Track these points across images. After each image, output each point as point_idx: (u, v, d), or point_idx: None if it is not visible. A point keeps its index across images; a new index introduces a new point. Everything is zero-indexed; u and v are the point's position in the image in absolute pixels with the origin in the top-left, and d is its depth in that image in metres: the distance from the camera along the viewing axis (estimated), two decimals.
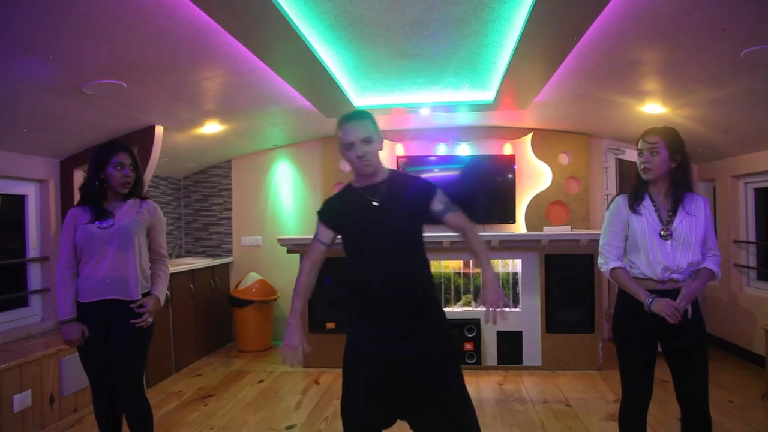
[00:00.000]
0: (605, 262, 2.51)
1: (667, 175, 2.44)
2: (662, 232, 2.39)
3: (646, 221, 2.43)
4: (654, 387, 2.50)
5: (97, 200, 2.69)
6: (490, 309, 2.08)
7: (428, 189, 2.24)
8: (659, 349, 2.48)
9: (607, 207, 2.61)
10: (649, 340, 2.44)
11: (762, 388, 3.87)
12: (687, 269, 2.39)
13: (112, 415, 2.76)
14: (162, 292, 2.82)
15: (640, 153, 2.48)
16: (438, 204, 2.22)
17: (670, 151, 2.40)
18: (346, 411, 2.22)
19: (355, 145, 2.16)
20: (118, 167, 2.67)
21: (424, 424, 2.20)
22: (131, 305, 2.66)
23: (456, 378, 2.23)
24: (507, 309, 2.02)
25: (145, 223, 2.77)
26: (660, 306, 2.29)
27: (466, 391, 2.23)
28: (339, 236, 2.33)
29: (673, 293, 2.35)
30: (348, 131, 2.17)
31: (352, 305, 2.32)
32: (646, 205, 2.46)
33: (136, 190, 2.78)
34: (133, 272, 2.70)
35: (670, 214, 2.42)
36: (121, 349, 2.65)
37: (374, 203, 2.22)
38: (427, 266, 2.31)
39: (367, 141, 2.16)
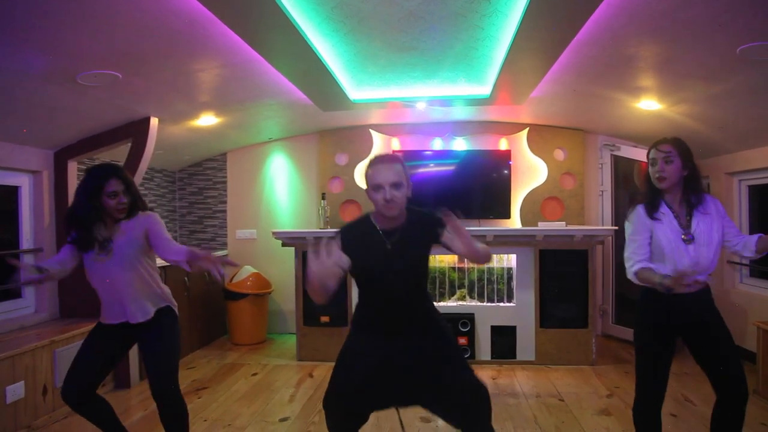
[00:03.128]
0: (630, 266, 2.51)
1: (680, 182, 2.49)
2: (684, 237, 2.44)
3: (668, 228, 2.47)
4: None
5: (88, 226, 2.62)
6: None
7: (437, 221, 2.25)
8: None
9: (627, 217, 2.61)
10: (672, 338, 2.51)
11: (753, 384, 3.89)
12: (710, 268, 2.45)
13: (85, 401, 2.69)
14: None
15: (654, 162, 2.51)
16: (447, 234, 2.25)
17: (683, 160, 2.47)
18: (333, 393, 2.34)
19: (384, 188, 2.17)
20: (113, 196, 2.61)
21: (440, 405, 2.27)
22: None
23: (460, 360, 2.32)
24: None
25: (141, 240, 2.68)
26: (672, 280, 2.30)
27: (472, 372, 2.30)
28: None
29: (696, 294, 2.43)
30: (378, 173, 2.19)
31: (355, 321, 2.43)
32: (665, 212, 2.50)
33: (134, 212, 2.70)
34: (148, 292, 2.70)
35: (688, 218, 2.48)
36: (156, 356, 2.66)
37: (388, 246, 2.27)
38: (428, 297, 2.45)
39: (397, 186, 2.18)
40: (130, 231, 2.67)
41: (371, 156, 2.31)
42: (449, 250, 2.25)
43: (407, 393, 2.30)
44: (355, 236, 2.31)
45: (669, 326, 2.48)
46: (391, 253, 2.28)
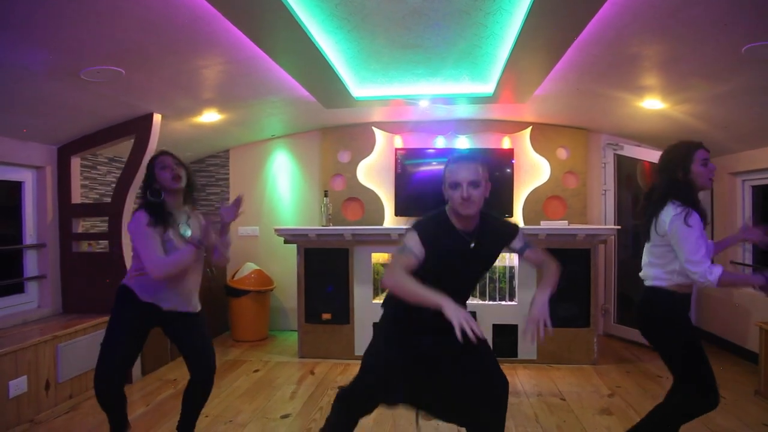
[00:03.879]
0: (709, 272, 2.40)
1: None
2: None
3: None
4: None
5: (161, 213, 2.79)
6: (530, 325, 2.13)
7: (512, 230, 2.40)
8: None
9: (683, 220, 2.46)
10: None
11: (755, 385, 3.89)
12: None
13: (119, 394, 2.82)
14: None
15: (705, 162, 2.57)
16: (518, 242, 2.38)
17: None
18: (371, 380, 2.42)
19: (462, 186, 2.18)
20: (163, 167, 2.80)
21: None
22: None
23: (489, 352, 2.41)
24: (547, 327, 2.10)
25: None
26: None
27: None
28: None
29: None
30: (457, 171, 2.20)
31: (400, 320, 2.41)
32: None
33: (190, 190, 2.94)
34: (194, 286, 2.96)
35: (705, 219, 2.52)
36: (206, 340, 2.98)
37: (472, 245, 2.28)
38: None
39: (475, 184, 2.19)
40: (198, 222, 2.91)
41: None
42: (518, 255, 2.44)
43: (435, 388, 2.37)
44: (435, 232, 2.28)
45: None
46: (473, 252, 2.29)
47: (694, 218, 2.45)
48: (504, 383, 2.34)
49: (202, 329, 2.96)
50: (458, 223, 2.28)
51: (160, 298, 2.77)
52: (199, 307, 2.96)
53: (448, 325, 2.00)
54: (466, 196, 2.16)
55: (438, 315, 2.08)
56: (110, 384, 2.72)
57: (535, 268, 2.46)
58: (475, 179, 2.18)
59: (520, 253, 2.39)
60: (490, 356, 2.39)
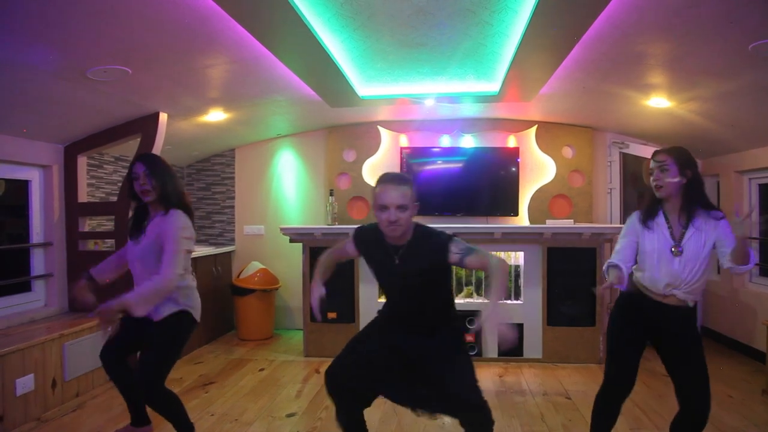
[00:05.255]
0: (606, 262, 2.62)
1: (680, 191, 2.48)
2: (673, 249, 2.45)
3: (656, 238, 2.50)
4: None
5: (136, 220, 2.84)
6: (481, 322, 2.07)
7: (442, 245, 2.29)
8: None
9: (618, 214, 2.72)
10: (638, 333, 2.57)
11: (762, 384, 3.88)
12: (692, 283, 2.44)
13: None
14: (134, 298, 2.58)
15: (651, 172, 2.54)
16: (455, 256, 2.28)
17: (679, 168, 2.45)
18: (334, 366, 2.50)
19: (389, 209, 2.23)
20: (135, 178, 2.75)
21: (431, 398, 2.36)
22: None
23: (462, 363, 2.36)
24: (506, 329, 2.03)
25: (155, 242, 2.71)
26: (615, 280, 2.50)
27: (474, 377, 2.34)
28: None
29: (673, 308, 2.47)
30: (385, 194, 2.25)
31: (384, 311, 2.62)
32: (660, 222, 2.51)
33: (165, 203, 2.75)
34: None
35: (683, 230, 2.46)
36: (145, 357, 2.79)
37: (396, 261, 2.35)
38: (447, 303, 2.50)
39: (402, 208, 2.24)
40: (154, 227, 2.73)
41: (379, 174, 2.41)
42: (462, 267, 2.35)
43: (403, 386, 2.41)
44: (370, 241, 2.45)
45: (639, 323, 2.57)
46: (398, 267, 2.35)
47: (628, 219, 2.66)
48: (480, 417, 2.24)
49: (150, 348, 2.78)
50: (389, 238, 2.35)
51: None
52: (157, 315, 2.73)
53: (417, 328, 2.36)
54: (393, 219, 2.23)
55: (408, 316, 2.33)
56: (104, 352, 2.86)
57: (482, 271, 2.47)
58: (402, 203, 2.23)
59: (460, 264, 2.27)
60: (468, 381, 2.30)
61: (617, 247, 2.61)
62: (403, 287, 2.41)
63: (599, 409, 2.71)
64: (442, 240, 2.30)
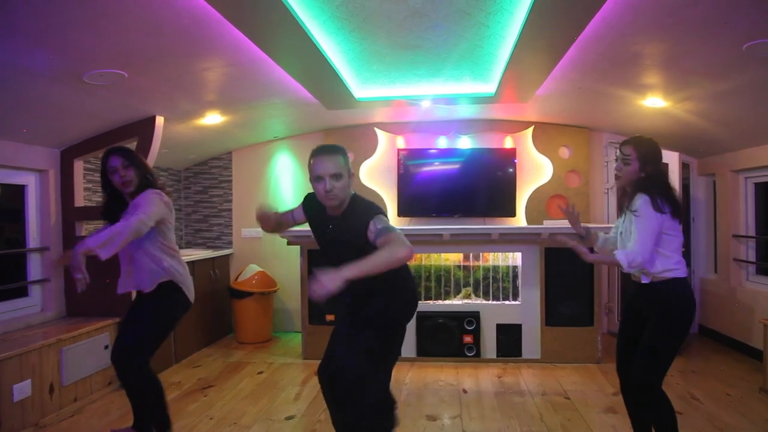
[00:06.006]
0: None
1: (635, 182, 2.59)
2: (622, 233, 2.65)
3: (621, 222, 2.69)
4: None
5: (108, 206, 2.94)
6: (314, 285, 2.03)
7: (365, 221, 2.29)
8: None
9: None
10: (631, 317, 2.70)
11: (760, 382, 3.89)
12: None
13: None
14: (95, 240, 2.54)
15: (616, 160, 2.68)
16: (371, 234, 2.25)
17: (641, 164, 2.55)
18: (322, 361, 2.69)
19: (324, 179, 2.28)
20: (113, 172, 2.84)
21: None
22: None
23: (358, 337, 2.45)
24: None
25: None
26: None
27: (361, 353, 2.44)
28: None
29: (640, 285, 2.60)
30: (319, 164, 2.30)
31: None
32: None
33: (143, 188, 2.86)
34: (141, 267, 2.88)
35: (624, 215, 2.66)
36: (126, 325, 2.95)
37: (329, 228, 2.46)
38: (377, 280, 2.22)
39: (337, 177, 2.29)
40: (129, 207, 2.83)
41: (314, 151, 2.42)
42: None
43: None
44: (313, 208, 2.54)
45: (632, 309, 2.71)
46: (330, 235, 2.45)
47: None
48: (345, 378, 2.44)
49: (136, 315, 2.93)
50: (329, 208, 2.43)
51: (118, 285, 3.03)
52: (148, 287, 2.91)
53: (347, 298, 2.41)
54: (329, 188, 2.28)
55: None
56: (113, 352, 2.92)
57: None
58: (336, 172, 2.29)
59: (373, 243, 2.21)
60: (349, 348, 2.47)
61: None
62: (334, 257, 2.40)
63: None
64: (367, 215, 2.30)
